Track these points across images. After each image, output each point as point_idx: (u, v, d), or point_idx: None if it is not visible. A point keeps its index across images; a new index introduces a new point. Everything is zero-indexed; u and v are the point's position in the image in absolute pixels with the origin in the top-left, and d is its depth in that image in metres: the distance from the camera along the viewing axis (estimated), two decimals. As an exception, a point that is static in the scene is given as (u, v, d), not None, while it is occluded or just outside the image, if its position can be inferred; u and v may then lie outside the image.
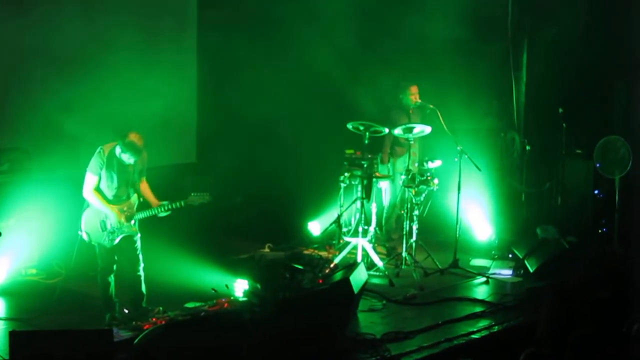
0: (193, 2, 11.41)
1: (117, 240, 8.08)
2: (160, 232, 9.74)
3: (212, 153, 11.44)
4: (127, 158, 7.98)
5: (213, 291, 8.59)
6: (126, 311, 8.13)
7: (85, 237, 8.07)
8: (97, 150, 7.98)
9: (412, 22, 11.06)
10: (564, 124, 11.53)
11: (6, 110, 9.56)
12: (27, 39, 9.67)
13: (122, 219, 8.06)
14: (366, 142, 10.08)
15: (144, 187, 8.35)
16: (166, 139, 11.11)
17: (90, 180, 7.98)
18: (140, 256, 8.26)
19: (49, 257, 9.25)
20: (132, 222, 8.17)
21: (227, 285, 8.68)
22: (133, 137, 7.88)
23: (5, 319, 8.16)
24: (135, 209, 8.20)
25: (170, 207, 8.22)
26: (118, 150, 7.97)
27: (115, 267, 8.14)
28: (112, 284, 8.17)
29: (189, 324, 7.56)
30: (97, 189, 7.99)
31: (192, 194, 8.32)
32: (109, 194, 8.06)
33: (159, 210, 8.22)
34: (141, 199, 8.29)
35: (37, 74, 9.72)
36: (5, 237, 8.43)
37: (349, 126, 10.19)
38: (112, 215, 8.03)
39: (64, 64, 9.92)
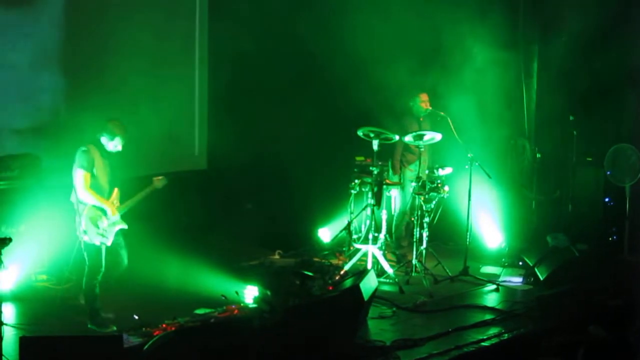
0: (204, 8, 11.44)
1: (112, 236, 8.05)
2: (170, 239, 9.78)
3: (222, 160, 11.46)
4: (116, 145, 8.01)
5: (223, 298, 8.60)
6: (136, 317, 8.14)
7: (87, 239, 7.97)
8: (83, 149, 7.91)
9: (424, 30, 11.05)
10: (574, 132, 11.51)
11: (17, 116, 9.59)
12: (39, 45, 9.71)
13: (117, 213, 8.08)
14: (376, 149, 10.07)
15: None
16: (177, 145, 11.15)
17: (83, 177, 7.87)
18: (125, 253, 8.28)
19: (59, 263, 9.24)
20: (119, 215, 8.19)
21: (237, 292, 8.69)
22: (114, 122, 8.01)
23: (16, 325, 8.16)
24: (119, 201, 8.19)
25: (143, 194, 8.29)
26: (105, 140, 7.99)
27: (103, 269, 8.06)
28: (97, 287, 8.08)
29: (199, 330, 7.54)
30: (91, 186, 7.94)
31: (154, 179, 8.39)
32: (104, 190, 8.05)
33: (135, 199, 8.24)
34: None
35: (48, 80, 9.76)
36: (15, 243, 8.41)
37: (360, 133, 10.16)
38: (108, 211, 8.02)
39: (75, 69, 9.96)
